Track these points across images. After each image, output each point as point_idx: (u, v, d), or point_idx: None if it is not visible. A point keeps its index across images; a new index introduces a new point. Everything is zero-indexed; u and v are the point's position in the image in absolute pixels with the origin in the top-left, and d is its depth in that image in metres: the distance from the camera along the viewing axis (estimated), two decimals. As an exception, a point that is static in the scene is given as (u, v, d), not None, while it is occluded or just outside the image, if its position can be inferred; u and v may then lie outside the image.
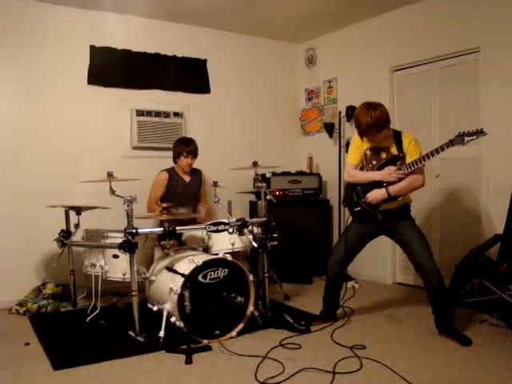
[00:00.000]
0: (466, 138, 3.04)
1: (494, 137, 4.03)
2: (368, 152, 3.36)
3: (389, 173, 3.23)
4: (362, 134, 3.27)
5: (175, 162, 4.38)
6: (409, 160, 3.23)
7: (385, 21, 4.95)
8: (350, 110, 5.21)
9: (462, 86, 4.37)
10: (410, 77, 4.83)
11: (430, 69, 4.62)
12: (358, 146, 3.40)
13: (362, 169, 3.42)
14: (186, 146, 4.29)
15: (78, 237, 4.07)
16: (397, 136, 3.34)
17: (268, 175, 5.16)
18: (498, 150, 4.06)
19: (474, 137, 3.04)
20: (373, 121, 3.12)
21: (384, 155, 3.32)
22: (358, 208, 3.37)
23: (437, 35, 4.45)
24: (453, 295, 3.63)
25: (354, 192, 3.40)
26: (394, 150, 3.31)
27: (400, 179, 3.22)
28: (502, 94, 4.03)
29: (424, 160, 3.14)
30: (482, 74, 4.16)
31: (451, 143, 3.08)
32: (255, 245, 3.69)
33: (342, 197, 5.32)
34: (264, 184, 3.89)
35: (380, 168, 3.30)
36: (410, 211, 3.42)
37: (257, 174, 4.39)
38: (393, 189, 3.22)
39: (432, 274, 3.21)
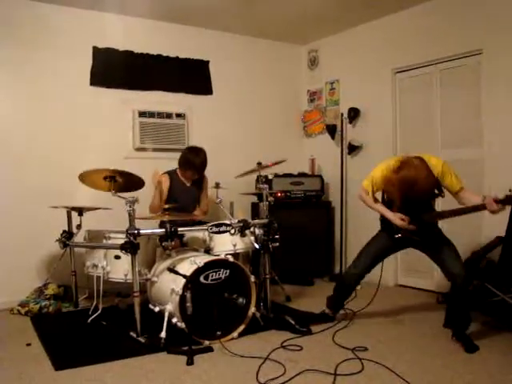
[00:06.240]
0: None
1: (497, 139, 4.04)
2: None
3: (400, 223, 3.18)
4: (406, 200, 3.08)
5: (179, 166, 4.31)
6: (455, 187, 3.13)
7: (387, 23, 4.96)
8: (352, 112, 5.23)
9: (464, 87, 4.36)
10: (412, 79, 4.83)
11: (433, 71, 4.61)
12: (380, 182, 3.26)
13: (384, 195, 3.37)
14: (189, 165, 4.18)
15: (79, 237, 4.08)
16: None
17: (270, 177, 5.17)
18: (500, 152, 4.05)
19: None
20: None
21: None
22: (399, 235, 3.29)
23: (439, 37, 4.45)
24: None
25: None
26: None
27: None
28: (504, 95, 4.02)
29: (467, 212, 3.02)
30: (485, 76, 4.16)
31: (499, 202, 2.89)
32: (257, 246, 3.69)
33: (343, 200, 5.32)
34: (266, 185, 3.90)
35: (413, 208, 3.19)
36: (436, 225, 3.37)
37: (260, 175, 4.39)
38: None
39: (459, 274, 3.10)
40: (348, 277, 3.61)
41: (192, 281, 3.17)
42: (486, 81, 4.15)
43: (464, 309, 3.20)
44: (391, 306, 4.19)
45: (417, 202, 3.13)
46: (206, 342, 3.19)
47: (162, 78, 5.04)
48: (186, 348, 3.02)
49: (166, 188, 4.22)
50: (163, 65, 5.05)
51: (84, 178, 3.75)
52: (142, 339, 3.22)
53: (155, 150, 4.92)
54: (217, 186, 4.25)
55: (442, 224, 4.57)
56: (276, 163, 4.29)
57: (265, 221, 3.74)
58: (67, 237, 4.06)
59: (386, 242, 3.43)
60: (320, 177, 5.44)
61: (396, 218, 3.24)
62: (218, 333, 3.25)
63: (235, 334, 3.34)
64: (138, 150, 4.90)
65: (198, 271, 3.21)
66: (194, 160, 4.17)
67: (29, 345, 3.28)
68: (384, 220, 3.41)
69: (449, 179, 3.13)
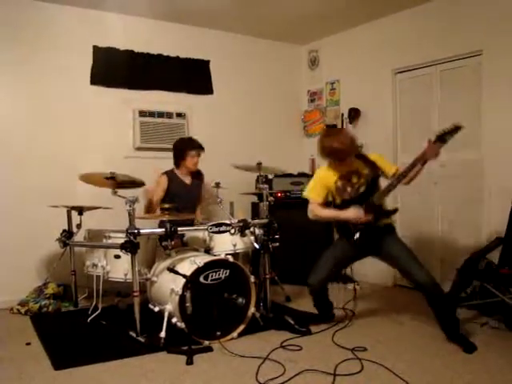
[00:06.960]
0: (448, 137, 3.05)
1: (497, 139, 4.04)
2: (339, 182, 3.33)
3: (357, 215, 3.22)
4: (341, 158, 3.22)
5: (178, 164, 4.29)
6: (390, 170, 3.28)
7: (388, 23, 4.96)
8: (353, 112, 5.23)
9: (464, 88, 4.36)
10: (412, 79, 4.83)
11: (433, 71, 4.61)
12: (323, 183, 3.38)
13: (333, 201, 3.41)
14: (191, 146, 4.22)
15: (79, 237, 4.08)
16: (359, 156, 3.34)
17: (270, 176, 5.16)
18: (500, 153, 4.05)
19: (454, 134, 3.03)
20: (351, 142, 3.19)
21: (355, 179, 3.30)
22: (357, 236, 3.29)
23: (440, 38, 4.45)
24: (454, 298, 3.63)
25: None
26: (364, 170, 3.29)
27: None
28: (505, 96, 4.02)
29: (412, 167, 3.12)
30: (485, 77, 4.16)
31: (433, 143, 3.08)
32: (257, 246, 3.69)
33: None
34: (266, 185, 3.90)
35: (361, 195, 3.28)
36: (394, 228, 3.41)
37: (261, 175, 4.39)
38: None
39: (426, 283, 3.13)
40: (311, 284, 3.51)
41: (192, 281, 3.17)
42: (487, 82, 4.15)
43: (448, 313, 3.20)
44: (391, 306, 4.20)
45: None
46: (206, 342, 3.19)
47: (163, 77, 5.04)
48: (185, 348, 3.02)
49: (164, 188, 4.21)
50: (164, 64, 5.04)
51: (85, 178, 3.75)
52: (141, 339, 3.22)
53: (155, 149, 4.92)
54: (217, 185, 4.25)
55: (442, 224, 4.59)
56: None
57: (265, 221, 3.74)
58: (67, 236, 4.07)
59: (345, 249, 3.43)
60: (320, 177, 5.43)
61: (351, 212, 3.25)
62: (218, 333, 3.25)
63: (235, 334, 3.34)
64: (139, 149, 4.90)
65: (198, 271, 3.21)
66: (190, 140, 4.34)
67: (28, 344, 3.28)
68: (340, 227, 3.44)
69: (384, 162, 3.33)
